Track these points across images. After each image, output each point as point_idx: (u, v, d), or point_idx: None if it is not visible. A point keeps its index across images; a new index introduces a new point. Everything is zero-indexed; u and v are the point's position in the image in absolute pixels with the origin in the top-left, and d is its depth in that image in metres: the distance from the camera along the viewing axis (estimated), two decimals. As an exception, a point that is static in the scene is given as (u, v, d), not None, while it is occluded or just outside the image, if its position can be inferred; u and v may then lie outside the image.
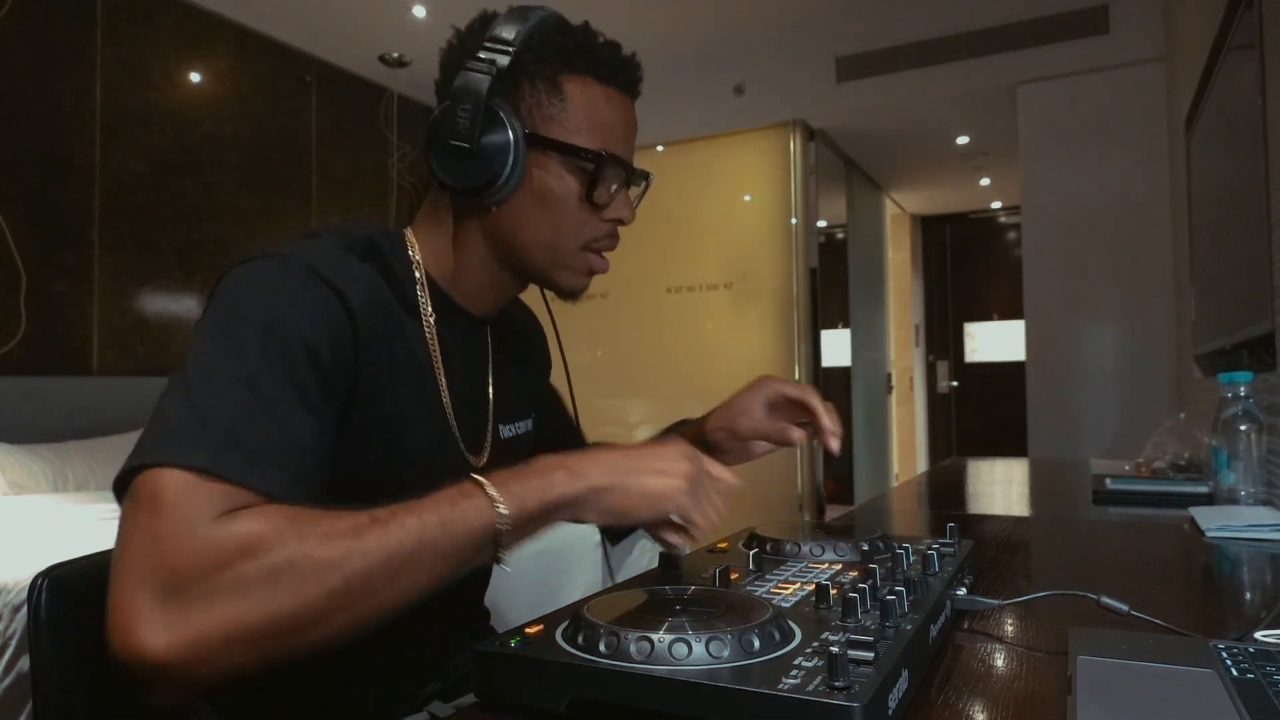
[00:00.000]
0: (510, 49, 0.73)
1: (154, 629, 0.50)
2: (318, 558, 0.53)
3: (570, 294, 0.82)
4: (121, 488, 0.57)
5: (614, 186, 0.78)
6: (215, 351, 0.61)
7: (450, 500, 0.59)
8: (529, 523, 0.62)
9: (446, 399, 0.78)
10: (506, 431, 0.89)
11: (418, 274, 0.78)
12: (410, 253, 0.78)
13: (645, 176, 0.84)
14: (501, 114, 0.73)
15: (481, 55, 0.73)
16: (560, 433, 1.03)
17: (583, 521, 0.67)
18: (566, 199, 0.76)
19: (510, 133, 0.72)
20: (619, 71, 0.78)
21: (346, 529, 0.55)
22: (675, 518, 0.67)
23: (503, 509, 0.59)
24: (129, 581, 0.51)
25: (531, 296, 0.93)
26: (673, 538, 0.69)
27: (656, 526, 0.69)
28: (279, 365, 0.61)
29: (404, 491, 0.59)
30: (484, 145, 0.72)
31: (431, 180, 0.78)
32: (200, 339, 0.63)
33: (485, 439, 0.85)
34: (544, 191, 0.75)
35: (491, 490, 0.60)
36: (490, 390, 0.87)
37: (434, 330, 0.77)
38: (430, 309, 0.77)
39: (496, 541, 0.60)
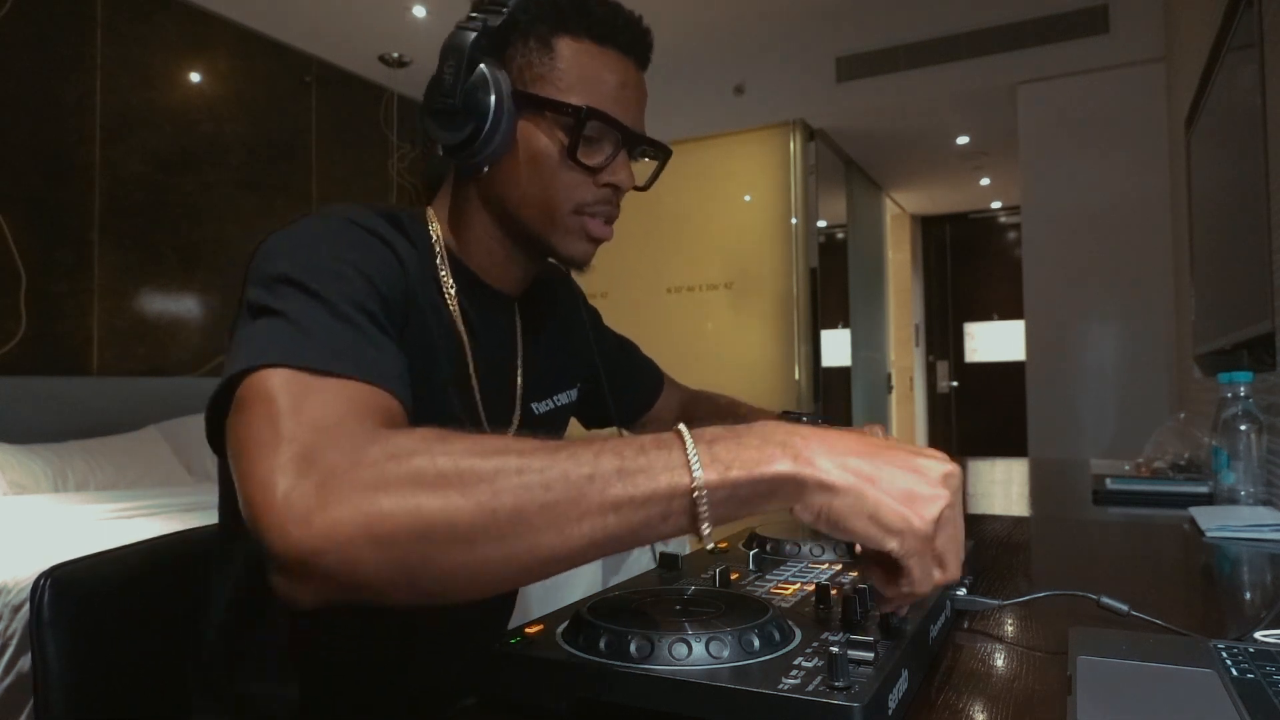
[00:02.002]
0: (504, 8, 0.73)
1: (297, 507, 0.46)
2: (464, 467, 0.47)
3: (573, 262, 0.80)
4: (218, 410, 0.55)
5: (607, 148, 0.76)
6: (276, 290, 0.60)
7: (639, 448, 0.48)
8: (730, 500, 0.48)
9: (472, 373, 0.78)
10: (541, 408, 0.89)
11: (438, 248, 0.78)
12: (430, 227, 0.79)
13: (655, 146, 0.81)
14: (485, 69, 0.72)
15: (474, 14, 0.73)
16: (629, 380, 1.04)
17: (797, 517, 0.50)
18: (554, 158, 0.74)
19: (493, 87, 0.71)
20: (619, 32, 0.75)
21: (504, 447, 0.48)
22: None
23: (699, 473, 0.47)
24: (267, 466, 0.48)
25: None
26: (878, 584, 0.54)
27: (869, 556, 0.53)
28: (345, 291, 0.61)
29: None
30: (468, 101, 0.72)
31: (433, 153, 0.78)
32: (257, 286, 0.61)
33: (512, 416, 0.85)
34: (532, 151, 0.74)
35: (690, 448, 0.48)
36: (520, 368, 0.86)
37: (456, 303, 0.77)
38: (452, 281, 0.77)
39: (691, 512, 0.48)
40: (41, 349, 3.10)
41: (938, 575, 0.51)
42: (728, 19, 4.05)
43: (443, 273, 0.77)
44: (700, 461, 0.48)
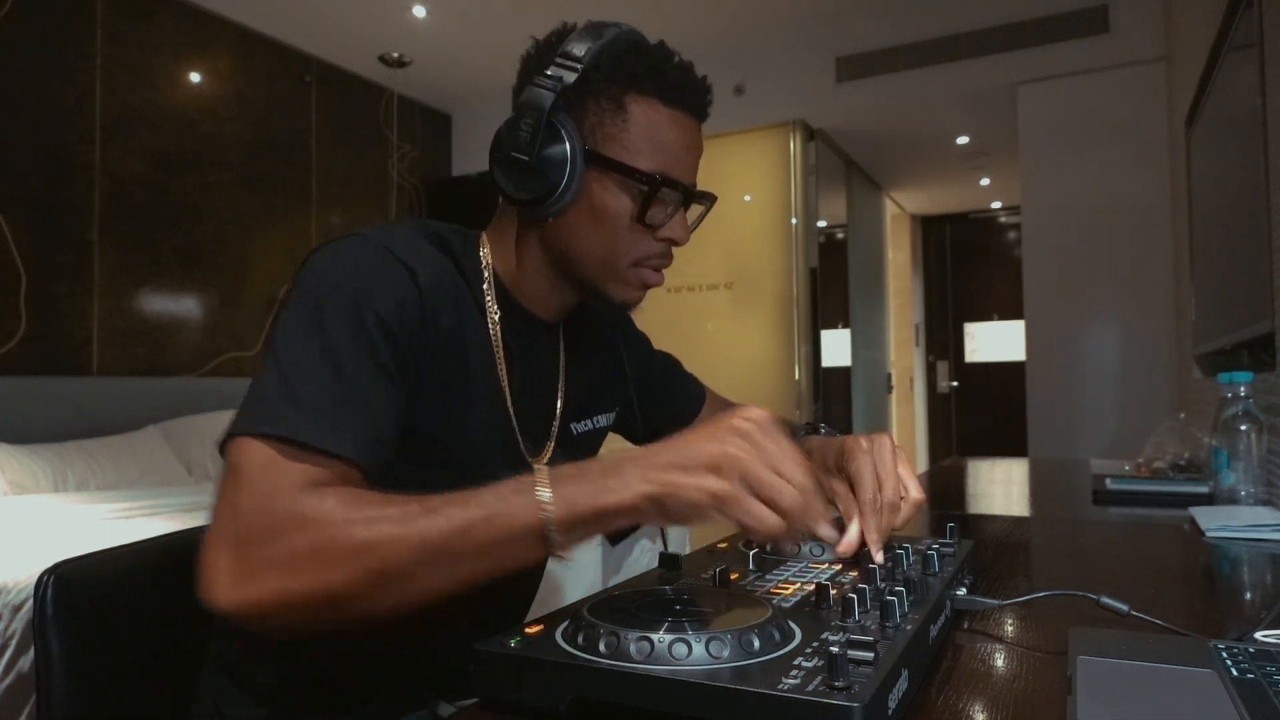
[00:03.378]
0: (579, 66, 0.74)
1: (222, 586, 0.58)
2: (360, 539, 0.58)
3: (625, 307, 0.83)
4: (223, 451, 0.64)
5: (669, 208, 0.79)
6: (298, 328, 0.67)
7: (501, 496, 0.60)
8: (580, 525, 0.60)
9: (508, 394, 0.81)
10: (581, 427, 0.92)
11: (486, 273, 0.81)
12: (481, 253, 0.82)
13: (705, 198, 0.84)
14: (562, 130, 0.74)
15: (550, 71, 0.74)
16: (676, 400, 1.07)
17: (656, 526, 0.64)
18: (620, 217, 0.77)
19: (568, 149, 0.74)
20: (688, 95, 0.78)
21: (394, 515, 0.59)
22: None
23: (550, 512, 0.59)
24: (211, 542, 0.60)
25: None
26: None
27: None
28: (357, 338, 0.66)
29: (459, 466, 0.64)
30: (543, 159, 0.74)
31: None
32: (286, 316, 0.68)
33: (549, 437, 0.87)
34: (600, 208, 0.77)
35: (543, 492, 0.59)
36: (560, 390, 0.89)
37: (498, 327, 0.80)
38: (496, 307, 0.80)
39: (547, 540, 0.59)
40: (41, 349, 3.10)
41: (771, 515, 0.59)
42: (728, 19, 4.05)
43: (488, 299, 0.80)
44: (550, 503, 0.59)
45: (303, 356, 0.65)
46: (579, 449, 0.93)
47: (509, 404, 0.81)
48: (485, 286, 0.80)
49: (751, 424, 0.61)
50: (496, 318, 0.80)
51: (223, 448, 0.64)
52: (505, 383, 0.80)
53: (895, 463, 0.76)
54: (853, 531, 0.73)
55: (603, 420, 0.97)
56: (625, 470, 0.60)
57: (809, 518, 0.60)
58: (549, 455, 0.87)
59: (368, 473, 0.65)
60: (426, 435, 0.74)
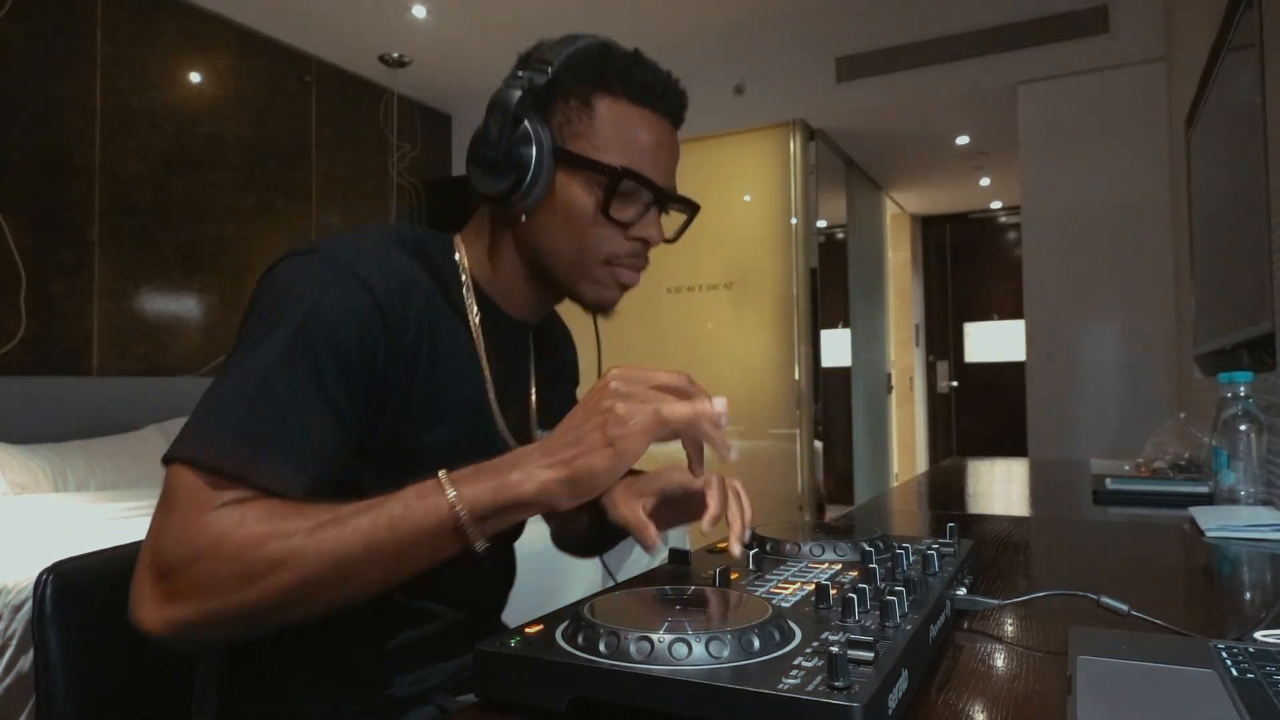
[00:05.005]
0: (549, 67, 0.77)
1: (146, 610, 0.61)
2: (272, 557, 0.60)
3: (598, 307, 0.84)
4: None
5: (639, 205, 0.80)
6: (248, 347, 0.68)
7: (405, 501, 0.62)
8: (488, 519, 0.63)
9: (492, 393, 0.82)
10: (542, 435, 0.91)
11: (463, 276, 0.82)
12: (457, 256, 0.83)
13: (684, 202, 0.86)
14: (529, 126, 0.76)
15: (520, 73, 0.77)
16: None
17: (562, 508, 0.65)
18: (588, 213, 0.78)
19: (535, 144, 0.76)
20: (656, 96, 0.79)
21: (307, 527, 0.61)
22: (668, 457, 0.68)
23: (458, 508, 0.62)
24: (139, 565, 0.62)
25: (578, 314, 0.94)
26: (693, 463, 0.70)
27: (663, 511, 0.69)
28: (300, 363, 0.67)
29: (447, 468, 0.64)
30: (511, 155, 0.76)
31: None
32: (241, 334, 0.69)
33: (529, 437, 0.88)
34: (568, 205, 0.78)
35: (449, 492, 0.62)
36: (533, 393, 0.91)
37: (479, 328, 0.81)
38: (475, 309, 0.81)
39: (461, 535, 0.62)
40: (41, 349, 3.10)
41: (672, 383, 0.64)
42: (728, 19, 4.05)
43: (467, 298, 0.81)
44: (457, 503, 0.62)
45: (245, 379, 0.66)
46: None
47: (494, 406, 0.82)
48: (464, 290, 0.82)
49: (604, 379, 0.65)
50: (477, 319, 0.81)
51: (167, 464, 0.65)
52: (490, 384, 0.81)
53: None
54: (714, 505, 0.76)
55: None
56: (523, 463, 0.63)
57: (701, 391, 0.65)
58: None
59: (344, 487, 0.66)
60: (414, 448, 0.75)
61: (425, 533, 0.62)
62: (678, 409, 0.62)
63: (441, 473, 0.64)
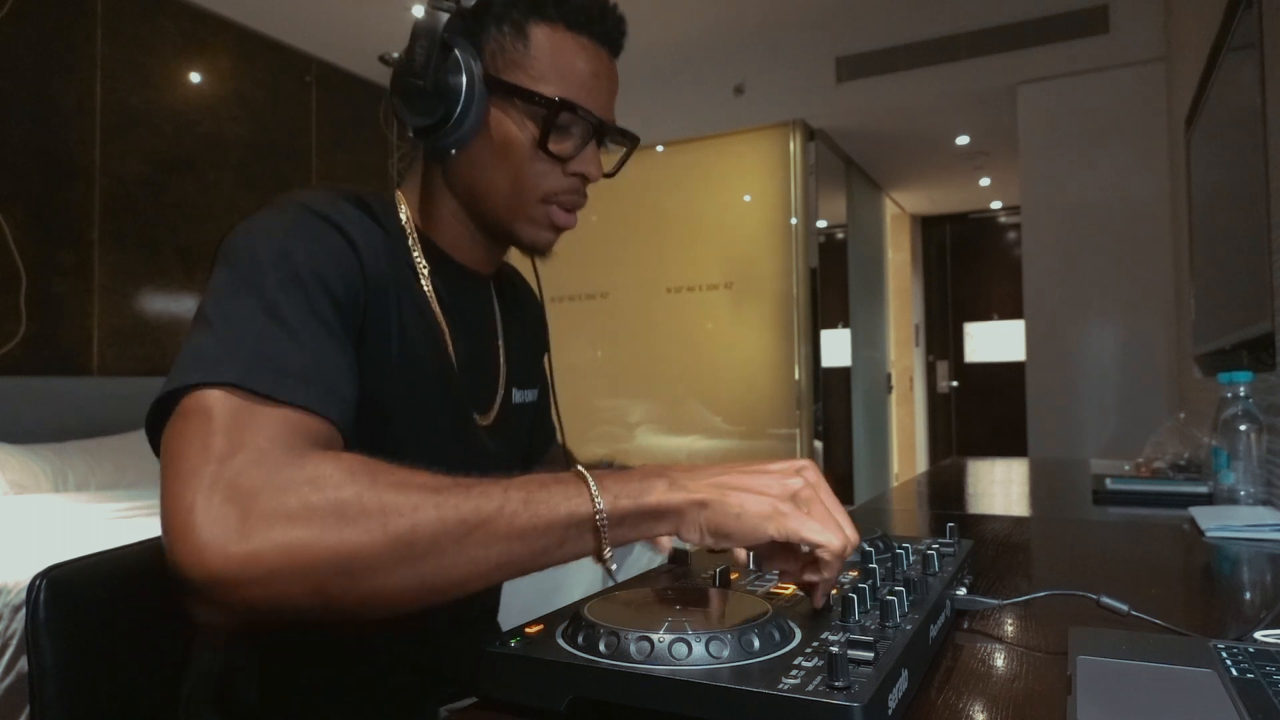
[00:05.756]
0: None
1: (214, 539, 0.48)
2: (387, 501, 0.51)
3: (534, 249, 0.79)
4: (158, 418, 0.57)
5: (577, 138, 0.75)
6: (230, 292, 0.61)
7: (541, 482, 0.56)
8: (622, 522, 0.56)
9: (452, 353, 0.77)
10: (518, 396, 0.88)
11: (408, 229, 0.77)
12: (400, 210, 0.78)
13: (622, 134, 0.80)
14: (458, 52, 0.71)
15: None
16: (542, 428, 1.01)
17: (685, 540, 0.59)
18: (523, 146, 0.73)
19: (465, 72, 0.71)
20: (594, 21, 0.75)
21: (423, 482, 0.53)
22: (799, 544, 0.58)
23: (595, 502, 0.55)
24: (191, 489, 0.50)
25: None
26: (800, 574, 0.60)
27: (775, 557, 0.61)
28: (295, 294, 0.61)
29: (405, 432, 0.59)
30: (439, 84, 0.71)
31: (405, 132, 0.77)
32: (213, 287, 0.62)
33: (494, 399, 0.84)
34: (502, 138, 0.74)
35: (591, 483, 0.56)
36: (501, 349, 0.86)
37: (430, 284, 0.76)
38: (424, 262, 0.77)
39: (596, 533, 0.55)
40: (41, 349, 3.10)
41: (834, 534, 0.56)
42: (728, 19, 4.05)
43: (415, 254, 0.76)
44: (597, 492, 0.55)
45: (245, 316, 0.59)
46: (519, 420, 0.89)
47: (454, 362, 0.77)
48: (410, 242, 0.76)
49: (808, 465, 0.60)
50: (427, 273, 0.76)
51: (157, 415, 0.57)
52: (448, 339, 0.77)
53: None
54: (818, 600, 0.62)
55: (531, 395, 0.92)
56: (672, 476, 0.58)
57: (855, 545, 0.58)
58: (493, 418, 0.83)
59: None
60: (379, 406, 0.70)
61: (560, 520, 0.55)
62: (829, 533, 0.56)
63: (579, 469, 0.58)
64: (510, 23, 0.73)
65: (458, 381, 0.78)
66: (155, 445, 0.59)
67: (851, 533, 0.58)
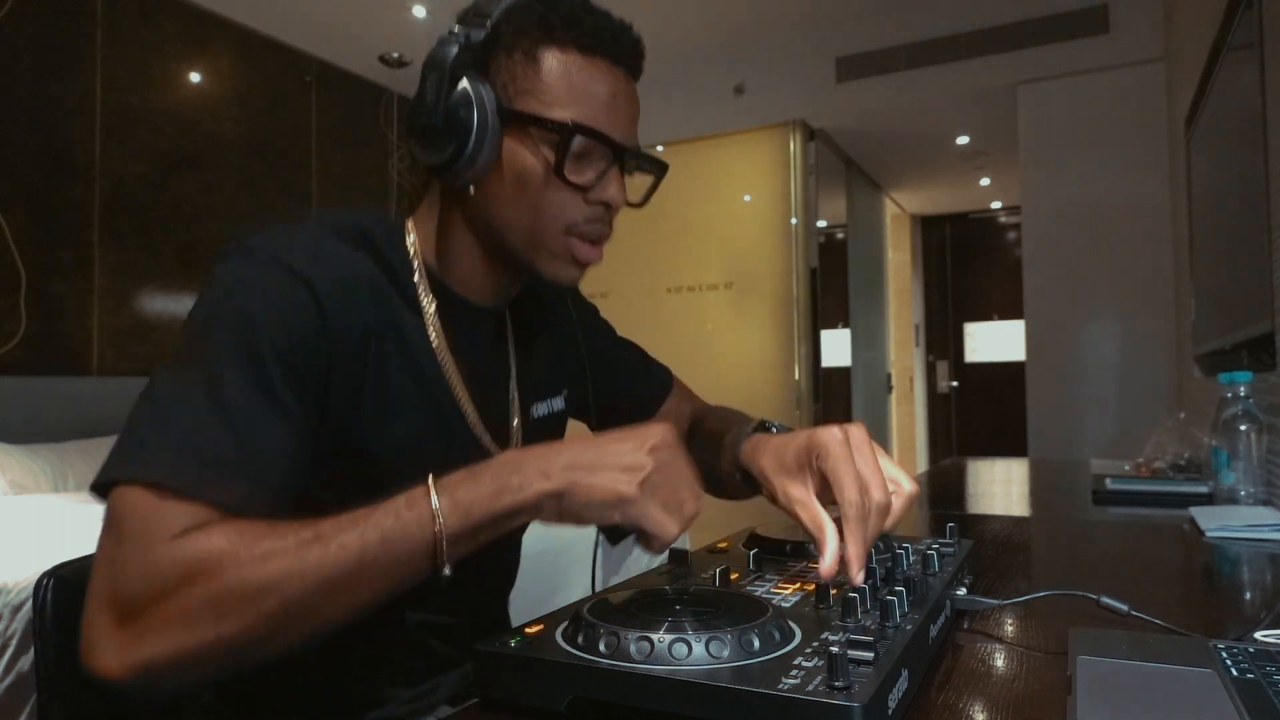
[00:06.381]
0: (486, 21, 0.70)
1: (108, 652, 0.54)
2: (255, 582, 0.54)
3: (556, 284, 0.77)
4: (101, 493, 0.60)
5: (597, 165, 0.72)
6: (182, 361, 0.62)
7: (394, 512, 0.57)
8: (474, 533, 0.58)
9: (460, 389, 0.76)
10: (541, 409, 0.88)
11: (415, 263, 0.75)
12: (408, 241, 0.76)
13: (648, 161, 0.78)
14: (468, 84, 0.69)
15: (455, 29, 0.70)
16: (638, 384, 1.04)
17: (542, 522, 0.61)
18: (541, 176, 0.71)
19: (475, 104, 0.69)
20: (608, 43, 0.72)
21: (289, 547, 0.55)
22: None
23: (446, 520, 0.57)
24: (91, 604, 0.55)
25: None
26: (644, 543, 0.62)
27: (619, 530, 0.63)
28: (245, 370, 0.61)
29: (410, 478, 0.59)
30: (451, 118, 0.69)
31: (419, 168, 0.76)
32: (175, 347, 0.64)
33: (511, 425, 0.83)
34: (519, 169, 0.71)
35: (435, 501, 0.57)
36: (514, 376, 0.85)
37: (435, 319, 0.75)
38: (430, 298, 0.75)
39: (436, 553, 0.57)
40: (41, 349, 3.10)
41: (673, 522, 0.60)
42: (728, 19, 4.05)
43: (420, 287, 0.75)
44: (445, 512, 0.57)
45: (183, 390, 0.60)
46: (544, 435, 0.88)
47: (460, 399, 0.76)
48: (415, 278, 0.74)
49: (660, 438, 0.61)
50: (432, 309, 0.74)
51: (99, 490, 0.60)
52: (453, 377, 0.75)
53: (875, 454, 0.69)
54: (831, 549, 0.64)
55: (559, 403, 0.92)
56: (524, 466, 0.59)
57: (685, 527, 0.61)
58: (517, 442, 0.83)
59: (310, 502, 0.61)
60: (364, 454, 0.70)
61: (416, 549, 0.57)
62: (668, 528, 0.60)
63: (430, 479, 0.59)
64: (521, 50, 0.70)
65: (461, 417, 0.77)
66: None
67: (691, 508, 0.61)
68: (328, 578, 0.55)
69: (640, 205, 0.80)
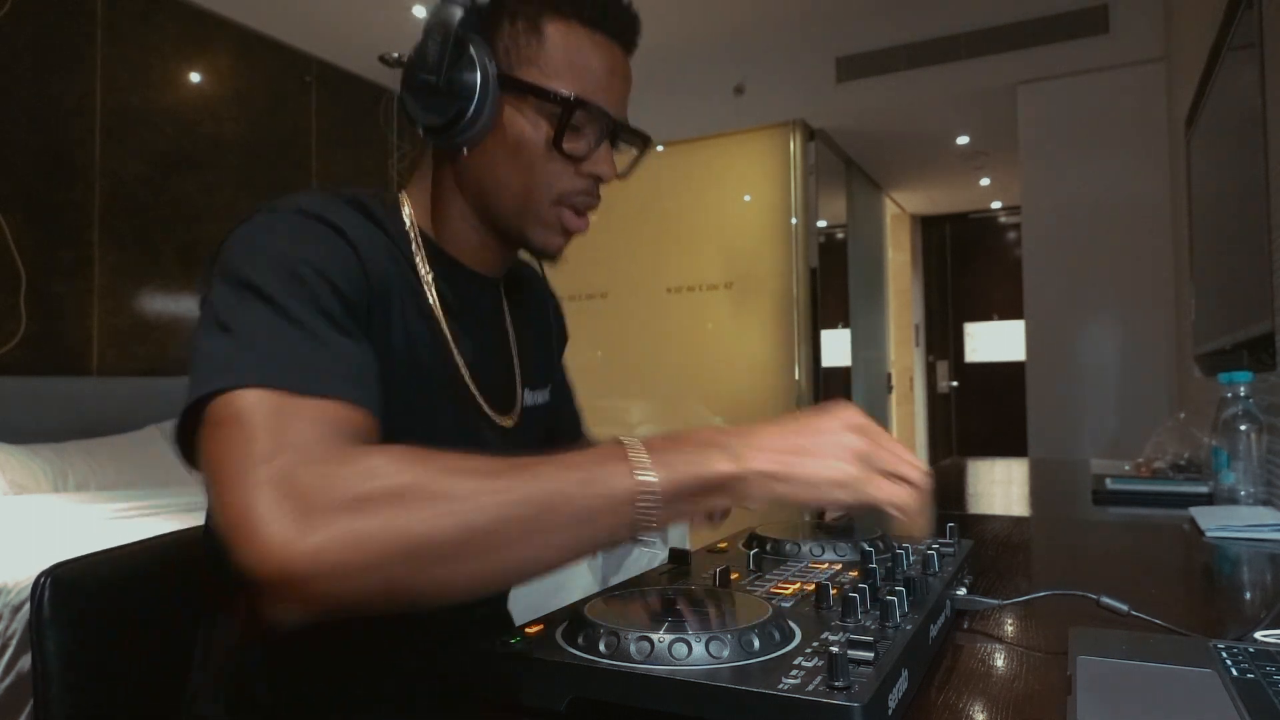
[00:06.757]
0: None
1: (278, 534, 0.47)
2: (445, 488, 0.50)
3: (544, 253, 0.78)
4: (186, 429, 0.56)
5: (591, 137, 0.73)
6: (237, 300, 0.59)
7: (595, 460, 0.53)
8: (679, 499, 0.54)
9: (459, 358, 0.76)
10: (531, 399, 0.87)
11: (411, 232, 0.76)
12: (403, 212, 0.77)
13: (636, 135, 0.78)
14: (472, 49, 0.69)
15: None
16: (564, 421, 1.00)
17: (746, 505, 0.58)
18: (537, 145, 0.72)
19: (479, 69, 0.69)
20: (610, 18, 0.73)
21: (479, 467, 0.52)
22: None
23: (651, 476, 0.53)
24: (244, 492, 0.49)
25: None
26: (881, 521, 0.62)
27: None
28: (303, 296, 0.60)
29: (413, 438, 0.57)
30: (452, 81, 0.69)
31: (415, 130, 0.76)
32: (218, 296, 0.60)
33: (515, 400, 0.83)
34: (516, 137, 0.72)
35: (640, 455, 0.53)
36: (514, 352, 0.85)
37: (434, 287, 0.75)
38: (427, 266, 0.75)
39: (641, 511, 0.53)
40: (41, 349, 3.10)
41: (903, 491, 0.58)
42: (728, 19, 4.05)
43: (418, 258, 0.75)
44: (647, 468, 0.53)
45: (257, 321, 0.58)
46: (534, 422, 0.88)
47: (462, 368, 0.76)
48: (414, 246, 0.75)
49: (855, 414, 0.60)
50: (430, 277, 0.75)
51: (187, 426, 0.55)
52: (453, 345, 0.75)
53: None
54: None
55: (543, 396, 0.91)
56: (728, 444, 0.56)
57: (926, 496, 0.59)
58: (515, 420, 0.82)
59: None
60: (385, 410, 0.68)
61: (617, 499, 0.52)
62: (901, 495, 0.58)
63: (628, 437, 0.55)
64: (525, 18, 0.71)
65: (464, 386, 0.77)
66: (186, 455, 0.58)
67: (919, 474, 0.59)
68: (525, 500, 0.51)
69: (624, 177, 0.80)
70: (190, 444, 0.56)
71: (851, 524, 0.90)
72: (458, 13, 0.69)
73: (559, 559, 0.53)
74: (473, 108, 0.70)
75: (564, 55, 0.71)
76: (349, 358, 0.59)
